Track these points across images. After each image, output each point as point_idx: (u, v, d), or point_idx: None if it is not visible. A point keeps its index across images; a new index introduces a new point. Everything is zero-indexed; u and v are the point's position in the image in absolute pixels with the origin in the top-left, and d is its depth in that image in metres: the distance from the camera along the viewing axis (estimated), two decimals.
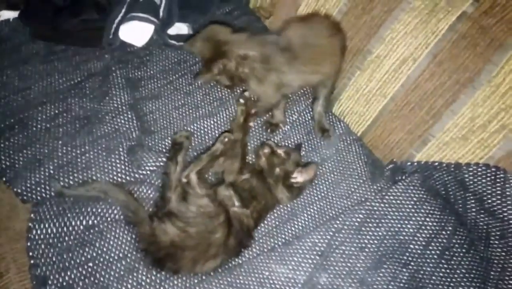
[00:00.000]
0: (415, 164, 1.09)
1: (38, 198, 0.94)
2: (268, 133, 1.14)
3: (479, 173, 0.99)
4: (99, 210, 0.94)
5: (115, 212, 0.95)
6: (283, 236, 1.00)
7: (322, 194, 1.08)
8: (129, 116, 1.10)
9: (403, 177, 1.05)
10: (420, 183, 1.01)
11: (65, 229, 0.90)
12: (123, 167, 1.01)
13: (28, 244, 0.87)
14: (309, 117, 1.21)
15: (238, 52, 1.04)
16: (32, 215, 0.90)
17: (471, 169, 1.00)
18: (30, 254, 0.86)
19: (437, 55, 1.05)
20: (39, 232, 0.89)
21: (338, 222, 0.97)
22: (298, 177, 1.00)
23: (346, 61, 1.19)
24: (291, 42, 1.06)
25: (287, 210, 1.05)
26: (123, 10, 1.17)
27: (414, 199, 0.99)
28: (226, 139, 0.99)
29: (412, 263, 0.93)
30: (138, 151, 1.04)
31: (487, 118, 0.99)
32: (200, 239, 0.87)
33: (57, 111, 1.07)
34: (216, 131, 1.12)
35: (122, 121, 1.09)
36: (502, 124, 0.97)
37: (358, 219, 0.97)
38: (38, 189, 0.94)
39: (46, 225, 0.89)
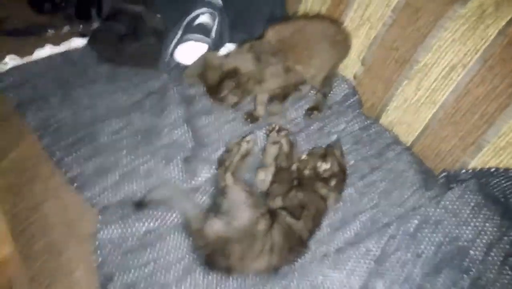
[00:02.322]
0: (470, 171, 1.07)
1: (105, 202, 1.01)
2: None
3: None
4: (159, 214, 0.99)
5: (174, 216, 0.99)
6: (336, 243, 1.00)
7: (374, 202, 1.07)
8: (185, 129, 1.16)
9: (459, 184, 1.03)
10: (477, 188, 0.98)
11: (128, 230, 0.96)
12: (180, 174, 1.07)
13: (97, 243, 0.93)
14: (357, 127, 1.23)
15: (232, 66, 1.10)
16: (100, 218, 0.97)
17: None
18: (99, 252, 0.92)
19: (488, 60, 1.04)
20: (106, 233, 0.95)
21: (392, 227, 0.96)
22: (323, 165, 1.01)
23: (393, 71, 1.21)
24: (275, 42, 1.13)
25: (338, 217, 1.05)
26: (179, 33, 1.27)
27: (472, 204, 0.96)
28: (249, 139, 1.05)
29: (473, 270, 0.89)
30: (193, 161, 1.10)
31: None
32: (244, 231, 0.89)
33: (121, 125, 1.16)
34: (265, 143, 1.16)
35: (179, 133, 1.16)
36: None
37: (413, 225, 0.96)
38: (105, 193, 1.02)
39: (112, 227, 0.96)
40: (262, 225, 0.91)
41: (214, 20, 1.29)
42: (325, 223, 1.04)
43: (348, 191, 1.09)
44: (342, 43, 1.21)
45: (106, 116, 1.17)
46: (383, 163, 1.15)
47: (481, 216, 0.95)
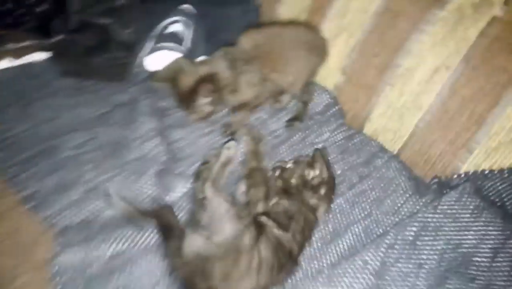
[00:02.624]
0: (462, 175, 1.02)
1: (65, 222, 0.88)
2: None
3: None
4: (128, 235, 0.87)
5: (145, 237, 0.87)
6: (329, 258, 0.90)
7: (366, 212, 0.99)
8: (157, 142, 1.07)
9: (453, 188, 0.96)
10: (474, 191, 0.93)
11: (93, 253, 0.83)
12: (153, 189, 0.96)
13: (54, 271, 0.79)
14: (341, 137, 1.16)
15: (208, 71, 1.03)
16: (57, 242, 0.83)
17: None
18: (57, 279, 0.78)
19: (471, 60, 1.02)
20: (66, 257, 0.82)
21: (389, 237, 0.88)
22: (311, 172, 0.94)
23: (374, 78, 1.17)
24: (249, 49, 1.08)
25: (329, 230, 0.96)
26: (150, 43, 1.19)
27: (471, 207, 0.90)
28: (230, 145, 0.96)
29: (481, 277, 0.82)
30: (167, 175, 1.00)
31: None
32: (227, 246, 0.78)
33: (85, 138, 1.05)
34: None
35: (150, 146, 1.06)
36: None
37: (412, 233, 0.88)
38: (65, 213, 0.89)
39: (73, 250, 0.83)
40: (247, 239, 0.80)
41: (188, 28, 1.23)
42: (315, 236, 0.94)
43: (337, 202, 1.01)
44: (319, 48, 1.17)
45: (68, 130, 1.06)
46: (371, 171, 1.08)
47: (482, 219, 0.88)
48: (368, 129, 1.21)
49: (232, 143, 0.96)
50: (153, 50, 1.17)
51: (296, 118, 1.19)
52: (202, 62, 1.04)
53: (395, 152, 1.15)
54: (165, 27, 1.21)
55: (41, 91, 1.16)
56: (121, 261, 0.83)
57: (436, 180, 1.05)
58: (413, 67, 1.10)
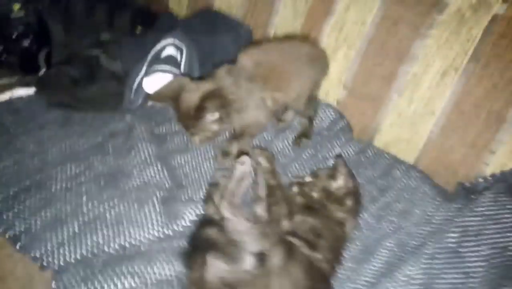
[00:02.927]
0: (489, 178, 0.95)
1: (61, 262, 0.75)
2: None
3: None
4: (135, 270, 0.75)
5: (154, 270, 0.76)
6: (364, 278, 0.81)
7: (394, 225, 0.91)
8: (159, 167, 0.98)
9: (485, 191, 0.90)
10: (508, 190, 0.86)
11: None
12: (159, 218, 0.85)
13: None
14: (353, 151, 1.10)
15: (214, 87, 0.94)
16: (54, 284, 0.71)
17: None
18: None
19: (480, 59, 0.99)
20: None
21: (428, 247, 0.79)
22: (333, 183, 0.86)
23: (380, 88, 1.13)
24: (250, 67, 1.00)
25: (359, 248, 0.87)
26: (144, 68, 1.13)
27: (509, 206, 0.83)
28: (244, 160, 0.88)
29: None
30: (172, 203, 0.90)
31: None
32: (254, 270, 0.68)
33: (78, 170, 0.95)
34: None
35: (152, 173, 0.96)
36: None
37: (452, 240, 0.80)
38: (61, 251, 0.77)
39: None
40: (276, 259, 0.70)
41: (181, 54, 1.18)
42: (347, 256, 0.85)
43: (362, 218, 0.92)
44: (320, 61, 1.13)
45: (57, 163, 0.95)
46: (391, 183, 1.01)
47: None
48: (378, 141, 1.15)
49: (245, 158, 0.88)
50: (149, 72, 1.10)
51: (303, 135, 1.13)
52: (204, 79, 0.97)
53: (411, 162, 1.09)
54: (160, 50, 1.15)
55: (26, 126, 1.06)
56: None
57: (461, 187, 0.98)
58: (421, 72, 1.07)
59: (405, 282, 0.75)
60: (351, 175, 0.87)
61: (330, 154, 1.08)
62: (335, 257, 0.80)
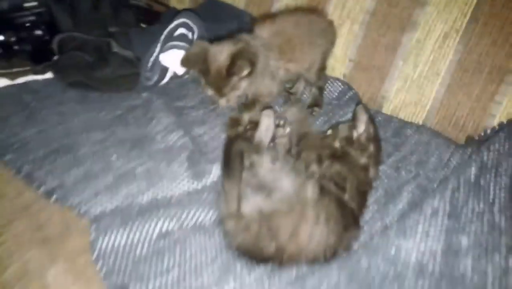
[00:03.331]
0: (497, 128, 1.00)
1: (98, 211, 0.76)
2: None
3: None
4: (172, 214, 0.77)
5: (191, 216, 0.78)
6: (392, 216, 0.83)
7: (413, 173, 0.95)
8: (181, 133, 1.00)
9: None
10: None
11: (136, 237, 0.72)
12: (188, 172, 0.88)
13: (95, 255, 0.67)
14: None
15: (243, 46, 0.96)
16: (93, 227, 0.72)
17: None
18: (100, 263, 0.66)
19: (479, 19, 1.06)
20: (105, 243, 0.70)
21: (451, 181, 0.83)
22: (355, 132, 0.90)
23: (385, 57, 1.18)
24: (265, 37, 1.04)
25: (381, 193, 0.90)
26: (159, 46, 1.17)
27: None
28: (269, 113, 0.91)
29: None
30: (199, 161, 0.92)
31: None
32: (291, 199, 0.71)
33: (103, 137, 0.96)
34: None
35: (175, 138, 0.99)
36: None
37: (472, 174, 0.83)
38: (98, 199, 0.78)
39: (113, 236, 0.71)
40: (310, 192, 0.73)
41: (193, 34, 1.22)
42: (369, 201, 0.87)
43: (381, 168, 0.95)
44: (329, 32, 1.18)
45: (81, 131, 0.97)
46: (404, 140, 1.05)
47: None
48: (387, 109, 1.20)
49: (269, 110, 0.91)
50: (165, 49, 1.14)
51: (315, 105, 1.17)
52: (227, 42, 1.00)
53: (420, 123, 1.13)
54: (173, 30, 1.19)
55: (45, 102, 1.07)
56: (169, 242, 0.73)
57: (471, 139, 1.03)
58: (423, 38, 1.13)
59: (432, 213, 0.78)
60: (371, 121, 0.91)
61: (343, 119, 1.12)
62: (361, 199, 0.83)
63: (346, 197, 0.79)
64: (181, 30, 1.20)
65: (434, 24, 1.12)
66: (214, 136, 1.05)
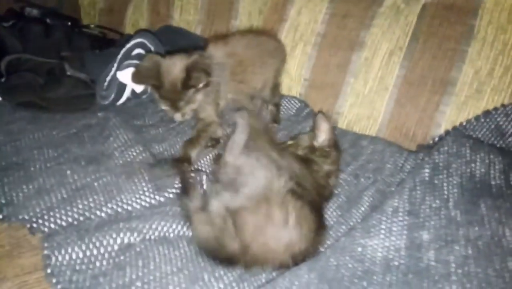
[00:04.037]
0: (443, 134, 1.08)
1: (51, 225, 0.71)
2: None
3: (509, 111, 1.00)
4: (133, 227, 0.73)
5: (153, 229, 0.75)
6: (355, 219, 0.86)
7: (371, 180, 0.98)
8: (140, 149, 0.97)
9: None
10: (463, 134, 0.98)
11: (94, 251, 0.68)
12: (148, 186, 0.85)
13: (49, 271, 0.62)
14: None
15: (197, 59, 0.96)
16: (46, 244, 0.67)
17: (500, 111, 1.01)
18: (55, 280, 0.61)
19: (419, 37, 1.16)
20: (60, 258, 0.65)
21: (408, 181, 0.86)
22: (315, 141, 0.93)
23: (337, 75, 1.25)
24: (218, 56, 1.05)
25: (343, 200, 0.92)
26: (115, 65, 1.16)
27: (468, 144, 0.92)
28: (244, 114, 0.90)
29: (504, 196, 0.82)
30: (160, 175, 0.89)
31: (490, 67, 1.06)
32: (257, 197, 0.70)
33: (56, 154, 0.92)
34: None
35: (134, 153, 0.96)
36: (505, 66, 1.04)
37: (426, 174, 0.88)
38: (51, 214, 0.73)
39: (69, 250, 0.66)
40: (280, 183, 0.72)
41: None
42: (332, 207, 0.89)
43: (341, 177, 0.99)
44: (279, 52, 1.23)
45: (34, 147, 0.92)
46: (360, 150, 1.10)
47: (481, 152, 0.92)
48: (342, 123, 1.25)
49: (244, 112, 0.90)
50: (122, 67, 1.12)
51: (273, 121, 1.19)
52: (179, 55, 0.99)
53: (374, 135, 1.19)
54: (130, 50, 1.18)
55: None
56: (131, 255, 0.69)
57: (421, 147, 1.09)
58: (371, 56, 1.21)
59: (393, 212, 0.80)
60: (332, 129, 0.94)
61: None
62: (322, 200, 0.84)
63: (308, 195, 0.80)
64: (139, 50, 1.20)
65: (379, 44, 1.20)
66: (175, 153, 1.03)
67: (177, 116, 0.98)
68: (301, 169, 0.85)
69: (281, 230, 0.69)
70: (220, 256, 0.67)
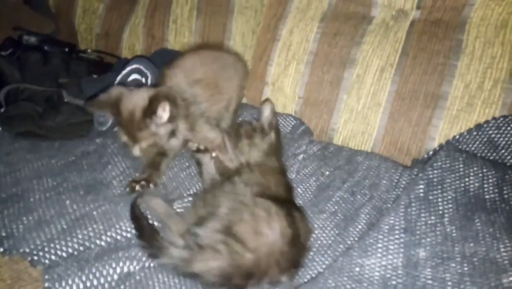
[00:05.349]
0: (437, 148, 1.09)
1: (52, 257, 0.72)
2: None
3: (501, 124, 1.01)
4: (132, 256, 0.74)
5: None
6: (352, 238, 0.86)
7: (367, 196, 1.00)
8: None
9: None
10: (457, 148, 0.99)
11: (95, 282, 0.69)
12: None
13: None
14: (316, 149, 1.19)
15: (162, 90, 0.94)
16: (46, 276, 0.68)
17: (491, 124, 1.02)
18: None
19: (409, 53, 1.18)
20: None
21: (403, 198, 0.88)
22: (260, 117, 1.04)
23: (330, 92, 1.27)
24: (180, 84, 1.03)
25: (340, 218, 0.93)
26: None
27: (461, 159, 0.94)
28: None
29: (498, 210, 0.83)
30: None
31: (479, 80, 1.08)
32: (235, 207, 0.75)
33: (55, 183, 0.93)
34: None
35: None
36: (494, 79, 1.06)
37: (421, 190, 0.89)
38: (51, 245, 0.74)
39: (69, 282, 0.67)
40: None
41: (146, 80, 1.24)
42: (330, 226, 0.91)
43: (338, 194, 1.00)
44: (242, 68, 1.24)
45: (33, 177, 0.93)
46: (356, 166, 1.11)
47: (475, 166, 0.93)
48: (337, 139, 1.27)
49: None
50: None
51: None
52: (149, 88, 0.99)
53: (369, 151, 1.20)
54: (126, 76, 1.20)
55: None
56: (131, 284, 0.70)
57: (416, 161, 1.11)
58: (362, 72, 1.23)
59: (389, 229, 0.81)
60: (273, 109, 1.06)
61: (298, 151, 1.16)
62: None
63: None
64: (135, 76, 1.22)
65: (370, 60, 1.22)
66: (173, 176, 1.05)
67: (135, 150, 0.91)
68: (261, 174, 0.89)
69: (272, 222, 0.71)
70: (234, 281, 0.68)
